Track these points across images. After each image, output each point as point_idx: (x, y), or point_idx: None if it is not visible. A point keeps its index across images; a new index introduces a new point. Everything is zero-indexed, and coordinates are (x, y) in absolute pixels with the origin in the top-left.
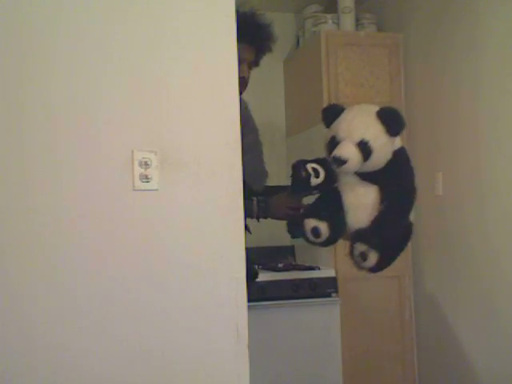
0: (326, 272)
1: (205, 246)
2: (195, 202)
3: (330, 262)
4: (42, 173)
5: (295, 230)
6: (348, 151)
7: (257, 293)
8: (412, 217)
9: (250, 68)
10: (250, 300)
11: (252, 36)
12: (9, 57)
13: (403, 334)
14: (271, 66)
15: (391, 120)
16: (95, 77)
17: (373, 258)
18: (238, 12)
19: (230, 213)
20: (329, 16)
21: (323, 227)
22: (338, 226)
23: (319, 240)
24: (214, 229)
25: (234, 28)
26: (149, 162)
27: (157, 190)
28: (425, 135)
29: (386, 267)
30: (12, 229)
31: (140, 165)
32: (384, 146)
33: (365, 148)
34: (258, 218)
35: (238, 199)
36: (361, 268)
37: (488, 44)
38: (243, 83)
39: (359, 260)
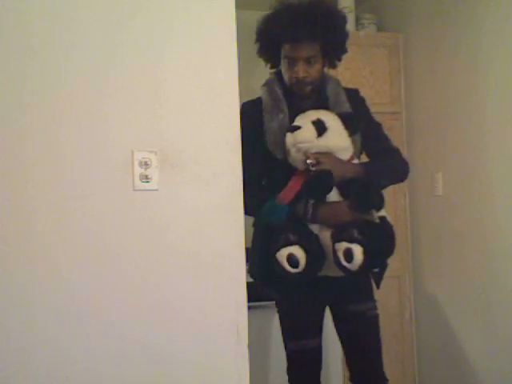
0: None
1: (205, 246)
2: (195, 202)
3: None
4: (42, 172)
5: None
6: (301, 123)
7: (257, 293)
8: (389, 218)
9: (309, 64)
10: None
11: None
12: (9, 56)
13: (403, 334)
14: None
15: (349, 119)
16: (95, 77)
17: (358, 253)
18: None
19: (230, 213)
20: None
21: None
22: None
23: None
24: (214, 229)
25: (234, 28)
26: (149, 162)
27: (157, 190)
28: (425, 135)
29: (373, 266)
30: (12, 228)
31: (140, 165)
32: (342, 133)
33: (320, 125)
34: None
35: (238, 199)
36: (349, 271)
37: (488, 43)
38: (298, 83)
39: (345, 262)
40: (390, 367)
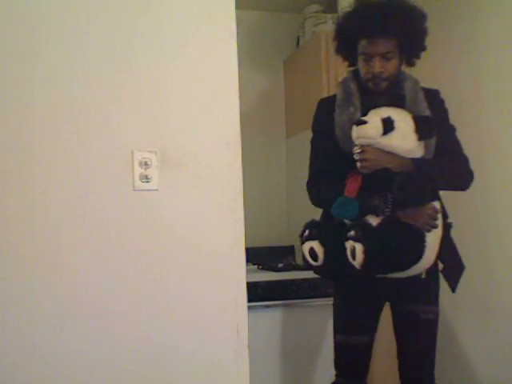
0: None
1: (205, 246)
2: (195, 202)
3: None
4: (42, 173)
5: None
6: (370, 118)
7: (257, 293)
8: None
9: (385, 59)
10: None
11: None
12: (11, 57)
13: None
14: (271, 66)
15: (422, 123)
16: (95, 77)
17: (359, 252)
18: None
19: (230, 213)
20: (329, 16)
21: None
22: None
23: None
24: (214, 229)
25: (234, 28)
26: (149, 162)
27: (157, 190)
28: None
29: (378, 266)
30: (12, 228)
31: (140, 165)
32: (408, 135)
33: (388, 123)
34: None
35: (238, 199)
36: (356, 270)
37: (488, 44)
38: (374, 79)
39: (352, 260)
40: (390, 367)
